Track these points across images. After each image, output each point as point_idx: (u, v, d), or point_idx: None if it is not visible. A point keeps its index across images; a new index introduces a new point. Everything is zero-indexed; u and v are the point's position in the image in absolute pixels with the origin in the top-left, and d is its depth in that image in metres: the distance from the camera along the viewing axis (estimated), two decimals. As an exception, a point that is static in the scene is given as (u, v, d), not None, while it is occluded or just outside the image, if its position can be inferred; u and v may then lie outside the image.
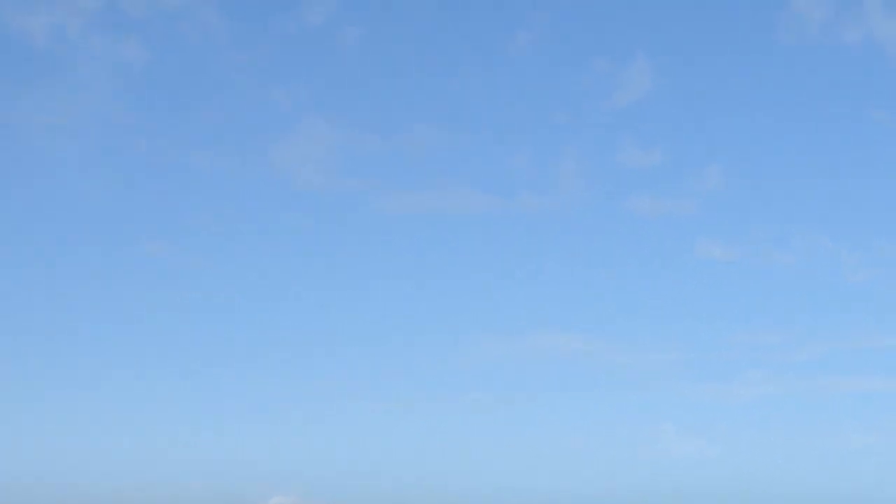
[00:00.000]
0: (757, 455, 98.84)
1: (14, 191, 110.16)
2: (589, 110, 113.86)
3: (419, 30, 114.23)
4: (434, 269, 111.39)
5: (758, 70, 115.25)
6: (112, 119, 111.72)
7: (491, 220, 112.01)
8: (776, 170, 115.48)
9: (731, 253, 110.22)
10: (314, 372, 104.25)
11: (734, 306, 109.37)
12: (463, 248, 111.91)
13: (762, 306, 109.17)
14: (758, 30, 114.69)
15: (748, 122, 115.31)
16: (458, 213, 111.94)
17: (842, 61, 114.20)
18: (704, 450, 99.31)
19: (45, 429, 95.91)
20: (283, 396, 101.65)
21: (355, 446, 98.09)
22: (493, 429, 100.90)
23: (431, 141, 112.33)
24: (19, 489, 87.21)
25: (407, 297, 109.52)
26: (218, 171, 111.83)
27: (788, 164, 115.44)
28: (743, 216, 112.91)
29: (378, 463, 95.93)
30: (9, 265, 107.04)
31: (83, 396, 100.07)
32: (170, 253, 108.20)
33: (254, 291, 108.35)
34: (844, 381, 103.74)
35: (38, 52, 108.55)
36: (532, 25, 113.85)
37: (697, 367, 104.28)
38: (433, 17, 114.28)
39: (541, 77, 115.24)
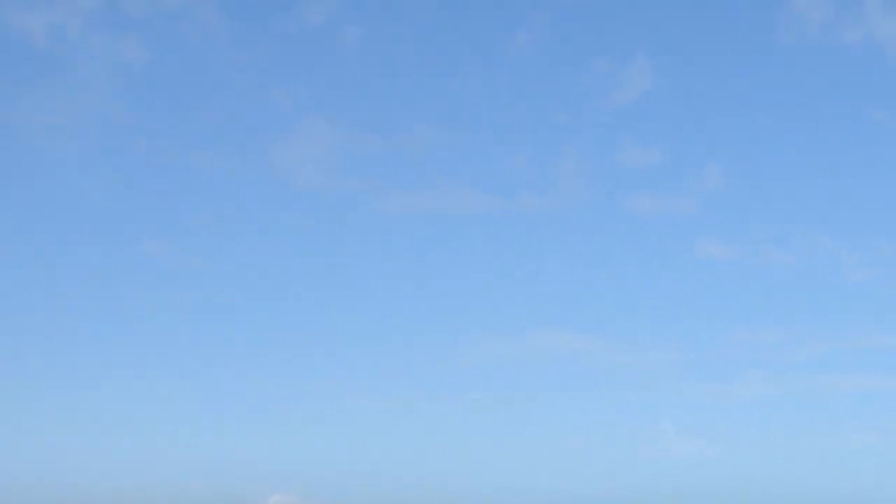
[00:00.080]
0: (757, 454, 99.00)
1: (14, 191, 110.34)
2: (589, 110, 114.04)
3: (419, 30, 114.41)
4: (434, 268, 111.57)
5: (758, 70, 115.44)
6: (112, 119, 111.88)
7: (491, 220, 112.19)
8: (776, 169, 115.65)
9: (730, 252, 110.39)
10: (314, 371, 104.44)
11: (734, 306, 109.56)
12: (463, 247, 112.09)
13: (762, 306, 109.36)
14: (758, 29, 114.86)
15: (748, 122, 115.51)
16: (458, 213, 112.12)
17: (842, 61, 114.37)
18: (704, 449, 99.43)
19: (45, 429, 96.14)
20: (283, 396, 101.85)
21: (355, 446, 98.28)
22: (493, 428, 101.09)
23: (431, 141, 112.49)
24: (19, 489, 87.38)
25: (407, 296, 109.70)
26: (218, 171, 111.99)
27: (788, 164, 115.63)
28: (743, 216, 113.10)
29: (378, 462, 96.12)
30: (9, 265, 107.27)
31: (83, 396, 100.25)
32: (170, 253, 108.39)
33: (254, 291, 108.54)
34: (844, 381, 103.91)
35: (38, 51, 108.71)
36: (532, 25, 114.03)
37: (697, 367, 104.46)
38: (433, 17, 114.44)
39: (541, 77, 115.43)
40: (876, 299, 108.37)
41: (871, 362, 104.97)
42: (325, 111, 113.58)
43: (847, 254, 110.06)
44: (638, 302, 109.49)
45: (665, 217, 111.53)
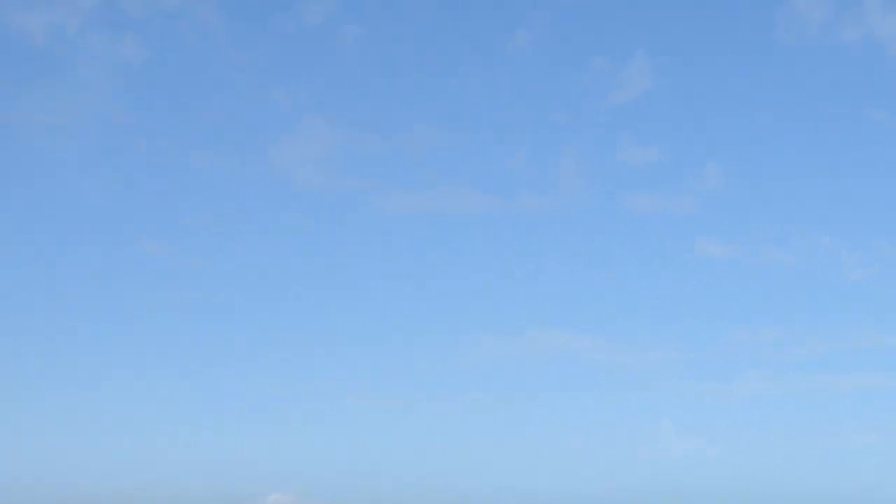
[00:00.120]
0: (757, 454, 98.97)
1: (13, 190, 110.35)
2: (588, 109, 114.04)
3: (418, 29, 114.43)
4: (434, 268, 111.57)
5: (757, 69, 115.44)
6: (111, 118, 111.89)
7: (491, 220, 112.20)
8: (776, 169, 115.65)
9: (730, 252, 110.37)
10: (314, 371, 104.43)
11: (734, 305, 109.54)
12: (463, 247, 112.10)
13: (762, 305, 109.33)
14: (757, 29, 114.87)
15: (748, 121, 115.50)
16: (457, 213, 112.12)
17: (841, 60, 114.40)
18: (704, 449, 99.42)
19: (45, 429, 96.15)
20: (282, 396, 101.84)
21: (355, 445, 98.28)
22: (493, 428, 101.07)
23: (431, 140, 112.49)
24: (19, 489, 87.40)
25: (407, 296, 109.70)
26: (217, 171, 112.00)
27: (788, 163, 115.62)
28: (742, 215, 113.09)
29: (377, 462, 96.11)
30: (8, 265, 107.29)
31: (83, 396, 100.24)
32: (169, 252, 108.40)
33: (254, 291, 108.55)
34: (844, 380, 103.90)
35: (38, 51, 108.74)
36: (531, 25, 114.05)
37: (697, 366, 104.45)
38: (432, 17, 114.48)
39: (540, 76, 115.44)
40: (875, 299, 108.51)
41: (870, 362, 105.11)
42: (324, 111, 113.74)
43: (847, 253, 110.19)
44: (638, 301, 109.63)
45: (665, 217, 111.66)
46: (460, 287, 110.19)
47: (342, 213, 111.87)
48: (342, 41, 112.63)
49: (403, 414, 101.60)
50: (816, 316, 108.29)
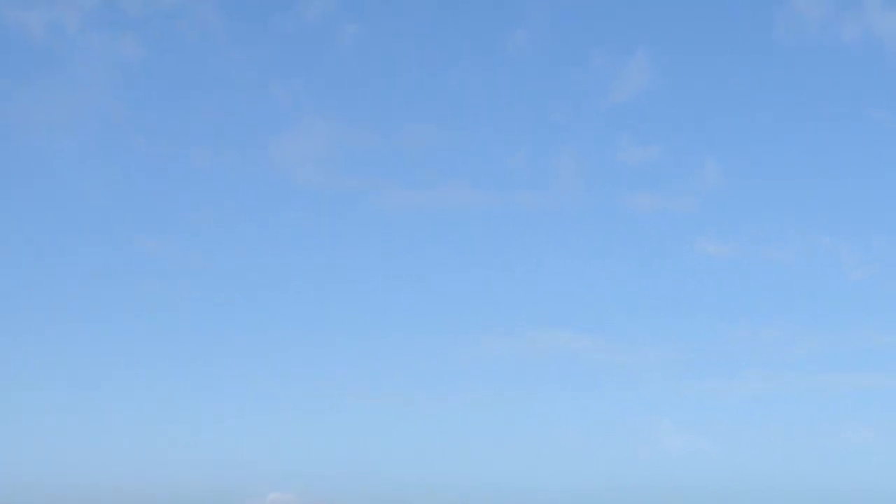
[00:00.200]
0: (755, 452, 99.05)
1: (12, 187, 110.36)
2: (587, 108, 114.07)
3: (417, 28, 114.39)
4: (433, 266, 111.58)
5: (757, 67, 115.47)
6: (111, 116, 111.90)
7: (490, 219, 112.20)
8: (775, 167, 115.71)
9: (729, 251, 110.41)
10: (313, 369, 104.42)
11: (733, 304, 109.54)
12: (461, 245, 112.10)
13: (761, 304, 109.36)
14: (757, 27, 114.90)
15: (747, 120, 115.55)
16: (456, 211, 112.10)
17: (841, 59, 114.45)
18: (703, 447, 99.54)
19: (45, 429, 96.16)
20: (281, 394, 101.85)
21: (354, 443, 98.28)
22: (493, 426, 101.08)
23: (430, 139, 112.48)
24: (19, 489, 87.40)
25: (406, 294, 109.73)
26: (217, 169, 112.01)
27: (787, 162, 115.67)
28: (742, 214, 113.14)
29: (377, 460, 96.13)
30: (7, 263, 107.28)
31: (82, 395, 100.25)
32: (168, 250, 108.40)
33: (253, 289, 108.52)
34: (843, 379, 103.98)
35: (37, 48, 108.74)
36: (530, 23, 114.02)
37: (696, 365, 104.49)
38: (431, 15, 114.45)
39: (539, 75, 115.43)
40: (875, 298, 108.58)
41: (869, 361, 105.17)
42: (323, 109, 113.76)
43: (846, 253, 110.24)
44: (637, 300, 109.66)
45: (664, 215, 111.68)
46: (460, 286, 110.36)
47: (341, 211, 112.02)
48: (341, 40, 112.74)
49: (403, 412, 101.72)
50: (816, 315, 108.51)
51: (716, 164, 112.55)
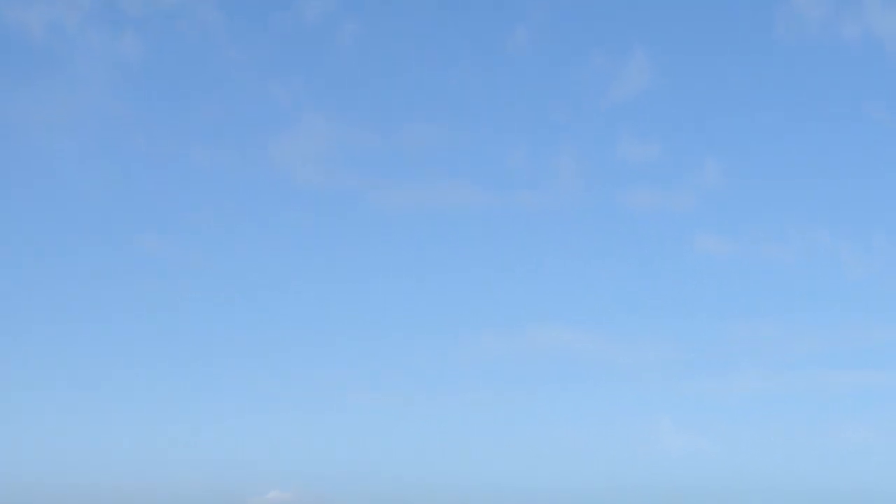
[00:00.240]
0: (755, 450, 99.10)
1: (12, 186, 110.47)
2: (587, 106, 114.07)
3: (417, 27, 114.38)
4: (433, 265, 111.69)
5: (757, 67, 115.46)
6: (110, 115, 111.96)
7: (489, 216, 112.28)
8: (775, 166, 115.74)
9: (729, 249, 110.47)
10: (313, 368, 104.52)
11: (732, 302, 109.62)
12: (461, 244, 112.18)
13: (761, 302, 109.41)
14: (757, 26, 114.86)
15: (747, 119, 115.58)
16: (456, 210, 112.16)
17: (841, 58, 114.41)
18: (702, 445, 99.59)
19: (45, 429, 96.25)
20: (281, 392, 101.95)
21: (353, 442, 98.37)
22: (492, 424, 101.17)
23: (430, 137, 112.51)
24: (19, 489, 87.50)
25: (406, 293, 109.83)
26: (217, 168, 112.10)
27: (787, 161, 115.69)
28: (742, 212, 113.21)
29: (376, 459, 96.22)
30: (7, 262, 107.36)
31: (82, 395, 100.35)
32: (168, 249, 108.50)
33: (253, 288, 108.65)
34: (842, 377, 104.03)
35: (37, 47, 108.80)
36: (530, 21, 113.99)
37: (695, 363, 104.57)
38: (431, 14, 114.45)
39: (539, 73, 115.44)
40: (874, 296, 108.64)
41: (869, 359, 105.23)
42: (323, 108, 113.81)
43: (846, 251, 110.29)
44: (636, 298, 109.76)
45: (663, 213, 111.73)
46: (459, 284, 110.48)
47: (341, 210, 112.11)
48: (341, 38, 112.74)
49: (402, 410, 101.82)
50: (815, 313, 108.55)
51: (715, 163, 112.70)
